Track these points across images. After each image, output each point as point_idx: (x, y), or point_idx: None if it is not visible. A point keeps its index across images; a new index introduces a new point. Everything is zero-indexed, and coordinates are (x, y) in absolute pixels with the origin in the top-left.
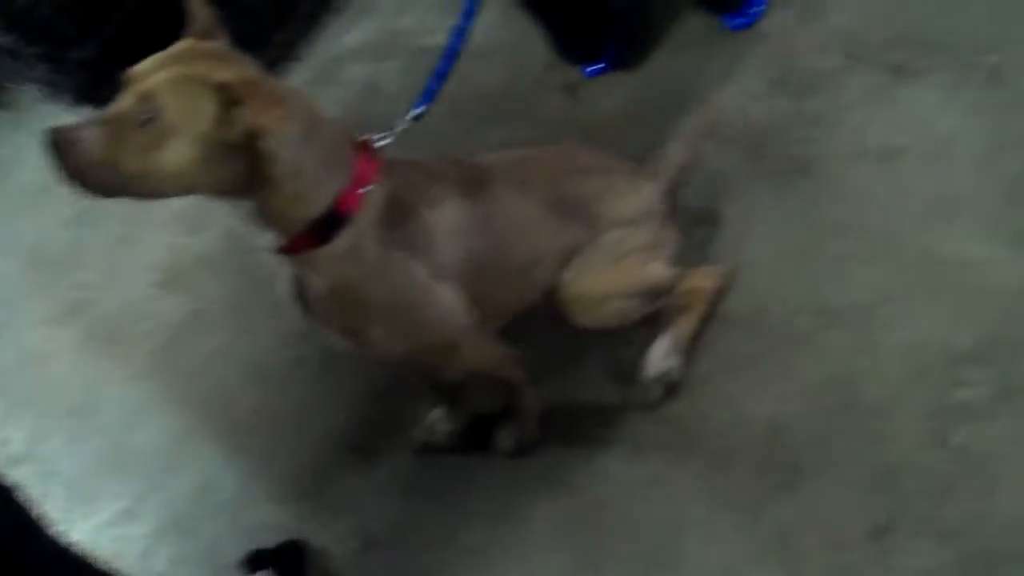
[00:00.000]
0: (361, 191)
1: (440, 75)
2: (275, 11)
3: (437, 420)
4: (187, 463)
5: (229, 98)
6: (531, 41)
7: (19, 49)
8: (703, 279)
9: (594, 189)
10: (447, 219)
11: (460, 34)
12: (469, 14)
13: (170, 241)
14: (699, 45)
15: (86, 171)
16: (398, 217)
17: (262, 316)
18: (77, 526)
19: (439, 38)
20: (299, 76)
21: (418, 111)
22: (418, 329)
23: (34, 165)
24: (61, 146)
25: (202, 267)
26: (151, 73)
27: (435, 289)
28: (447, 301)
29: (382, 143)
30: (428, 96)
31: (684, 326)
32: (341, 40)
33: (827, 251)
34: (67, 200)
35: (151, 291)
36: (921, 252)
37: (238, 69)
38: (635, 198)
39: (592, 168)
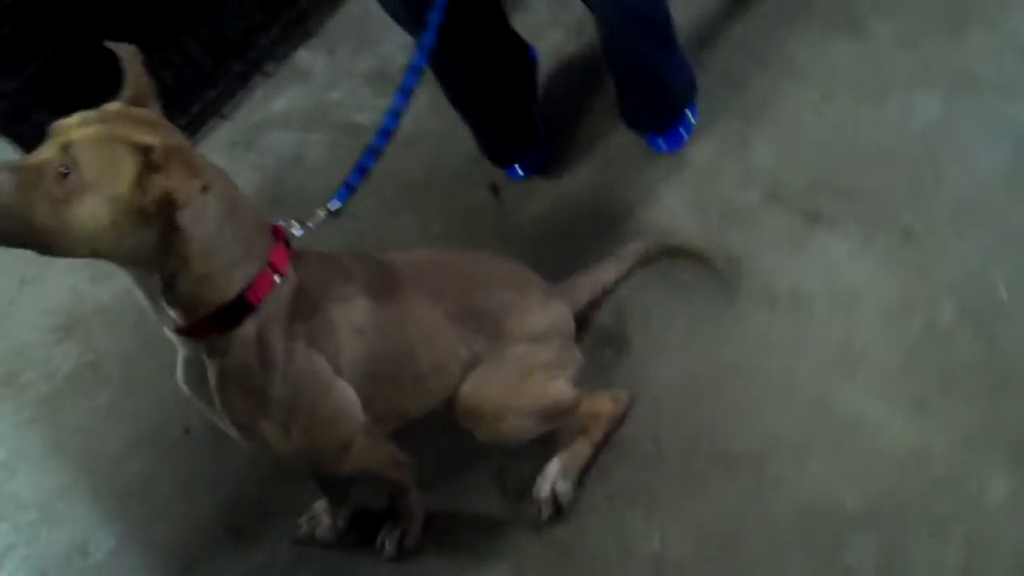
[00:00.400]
0: (273, 279)
1: (362, 170)
2: (208, 66)
3: (321, 512)
4: (62, 519)
5: (149, 162)
6: (458, 133)
7: None
8: (603, 404)
9: (504, 302)
10: (353, 317)
11: (384, 135)
12: (395, 114)
13: (73, 286)
14: (625, 163)
15: None
16: (304, 310)
17: (156, 377)
18: None
19: (368, 116)
20: (223, 136)
21: (336, 206)
22: (313, 425)
23: None
24: None
25: (102, 318)
26: (76, 128)
27: (335, 385)
28: (346, 398)
29: (295, 233)
30: (347, 191)
31: (579, 449)
32: (269, 105)
33: (729, 391)
34: None
35: (48, 335)
36: (819, 404)
37: (164, 136)
38: (544, 315)
39: (504, 280)
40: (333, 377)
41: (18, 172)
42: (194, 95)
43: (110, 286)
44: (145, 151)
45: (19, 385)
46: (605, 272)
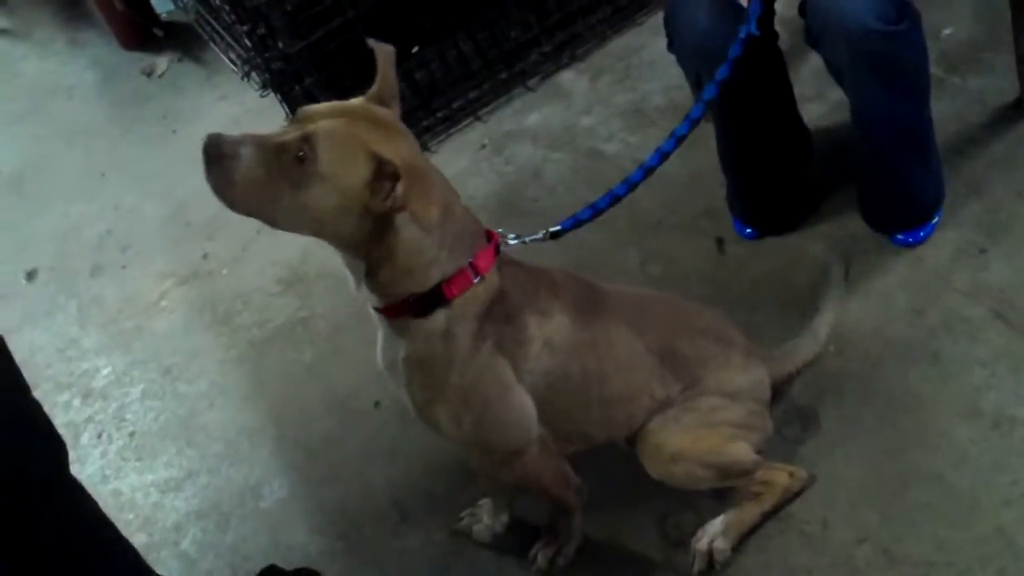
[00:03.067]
0: (473, 280)
1: (595, 208)
2: (476, 68)
3: (483, 511)
4: (244, 459)
5: (385, 172)
6: (697, 183)
7: (231, 23)
8: (781, 475)
9: (706, 352)
10: (548, 332)
11: (627, 185)
12: (651, 163)
13: (304, 246)
14: (856, 245)
15: (232, 185)
16: (500, 314)
17: (359, 348)
18: (127, 477)
19: (614, 146)
20: (474, 136)
21: (558, 229)
22: (484, 425)
23: (210, 126)
24: (217, 155)
25: (324, 280)
26: (322, 117)
27: (514, 393)
28: (522, 408)
29: (511, 243)
30: (573, 222)
31: (747, 513)
32: (524, 116)
33: (909, 494)
34: None
35: (271, 285)
36: (999, 532)
37: (403, 147)
38: (742, 375)
39: (709, 331)
40: (513, 383)
41: (261, 148)
42: (457, 92)
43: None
44: (380, 162)
45: (235, 325)
46: (806, 348)
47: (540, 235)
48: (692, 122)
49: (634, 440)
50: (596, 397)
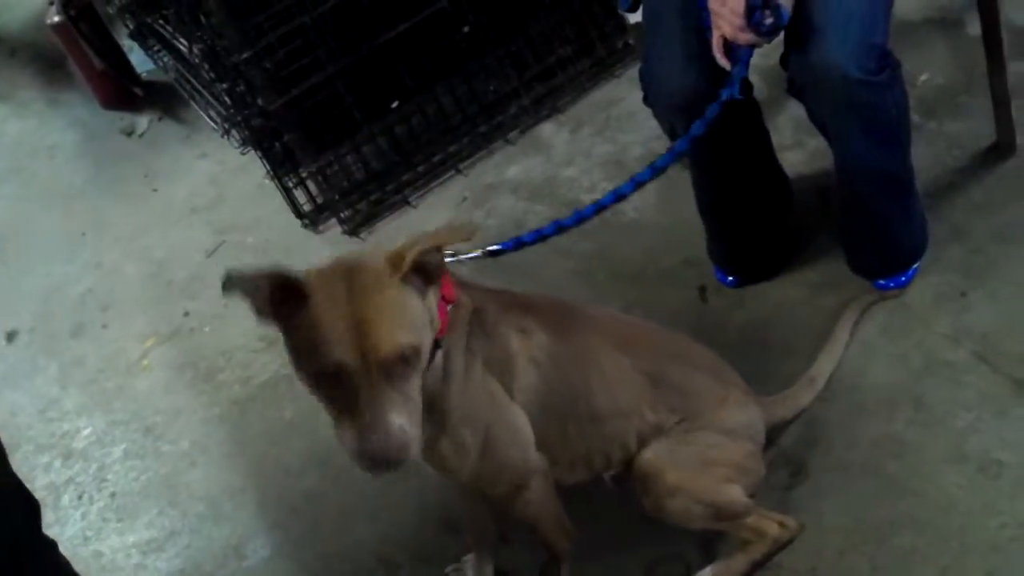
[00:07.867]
0: (447, 310)
1: (539, 234)
2: (456, 122)
3: (468, 566)
4: (227, 518)
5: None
6: (677, 232)
7: (210, 80)
8: (771, 525)
9: (702, 387)
10: (532, 348)
11: (577, 218)
12: (614, 197)
13: None
14: (838, 290)
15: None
16: (481, 331)
17: None
18: (109, 539)
19: (595, 198)
20: (455, 189)
21: (498, 248)
22: (487, 448)
23: (190, 184)
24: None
25: None
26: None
27: (509, 409)
28: (518, 423)
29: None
30: (512, 244)
31: (736, 563)
32: (504, 169)
33: (897, 540)
34: (209, 231)
35: (253, 343)
36: None
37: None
38: (741, 414)
39: (706, 367)
40: (508, 401)
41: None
42: (437, 145)
43: None
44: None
45: (217, 383)
46: (803, 395)
47: (479, 253)
48: (656, 170)
49: (625, 480)
50: (585, 412)
